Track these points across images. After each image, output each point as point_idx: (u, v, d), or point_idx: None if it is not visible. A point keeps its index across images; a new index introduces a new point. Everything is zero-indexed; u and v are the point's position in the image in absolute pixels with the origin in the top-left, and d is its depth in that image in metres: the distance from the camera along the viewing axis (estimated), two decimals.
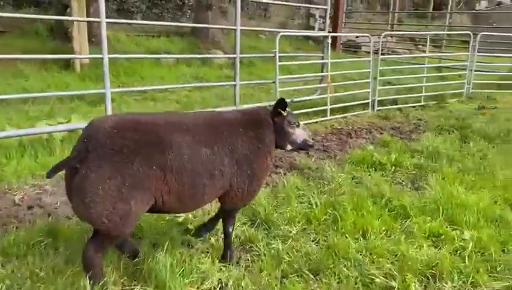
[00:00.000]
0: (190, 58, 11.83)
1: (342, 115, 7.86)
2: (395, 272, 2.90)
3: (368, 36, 8.97)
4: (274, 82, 6.80)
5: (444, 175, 4.78)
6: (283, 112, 3.00)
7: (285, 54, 7.99)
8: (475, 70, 9.69)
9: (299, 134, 3.12)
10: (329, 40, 7.65)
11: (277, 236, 3.45)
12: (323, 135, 6.81)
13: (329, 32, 9.11)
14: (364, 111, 8.28)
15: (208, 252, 3.20)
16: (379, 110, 8.40)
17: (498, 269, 3.03)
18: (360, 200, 3.93)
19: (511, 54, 12.17)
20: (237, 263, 3.10)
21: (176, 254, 3.04)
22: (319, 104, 7.81)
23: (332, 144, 6.33)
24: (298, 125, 3.13)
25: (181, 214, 3.57)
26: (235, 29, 6.43)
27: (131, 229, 2.54)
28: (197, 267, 2.92)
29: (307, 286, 2.86)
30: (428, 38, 9.62)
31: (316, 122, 7.39)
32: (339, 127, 7.27)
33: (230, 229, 3.07)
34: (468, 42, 9.77)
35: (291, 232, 3.50)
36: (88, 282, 2.45)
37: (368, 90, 8.29)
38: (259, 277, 2.88)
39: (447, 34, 16.84)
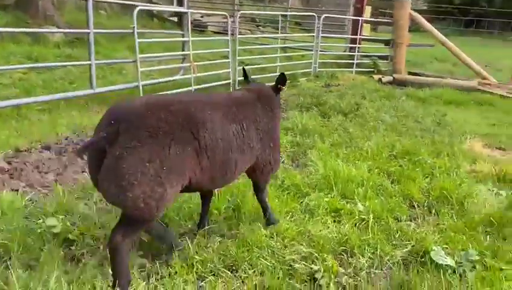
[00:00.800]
0: (17, 34, 10.05)
1: None
2: (315, 254, 2.82)
3: (225, 15, 8.82)
4: (134, 61, 6.16)
5: (320, 151, 4.96)
6: (283, 87, 3.24)
7: (146, 31, 7.29)
8: (320, 51, 10.44)
9: None
10: (188, 19, 7.26)
11: (181, 235, 3.07)
12: None
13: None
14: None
15: (101, 265, 2.65)
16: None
17: (396, 236, 3.21)
18: None
19: (343, 35, 13.48)
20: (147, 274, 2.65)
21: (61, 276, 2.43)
22: (183, 85, 7.41)
23: None
24: None
25: (56, 225, 2.89)
26: (86, 1, 5.56)
27: (162, 213, 2.48)
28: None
29: (228, 286, 2.58)
30: (279, 20, 9.96)
31: None
32: None
33: (267, 199, 3.27)
34: (299, 24, 10.42)
35: (194, 229, 3.16)
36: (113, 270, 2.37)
37: (228, 70, 8.20)
38: (174, 286, 2.49)
39: (292, 16, 17.84)
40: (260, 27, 20.76)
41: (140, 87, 6.14)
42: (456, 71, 12.77)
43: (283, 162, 4.74)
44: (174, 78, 7.26)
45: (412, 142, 5.43)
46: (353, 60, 11.29)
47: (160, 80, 7.03)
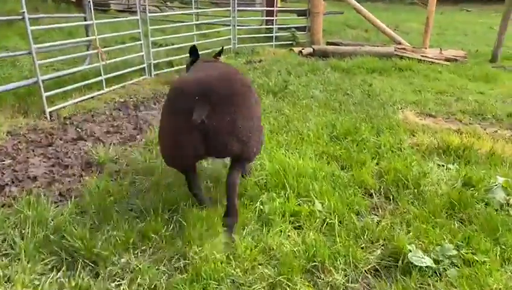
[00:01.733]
0: None
1: (119, 85, 6.76)
2: (284, 281, 2.38)
3: None
4: (29, 53, 5.15)
5: None
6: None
7: (38, 16, 6.14)
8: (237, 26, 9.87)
9: None
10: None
11: (110, 277, 2.45)
12: (107, 112, 5.64)
13: None
14: (142, 77, 7.35)
15: None
16: (157, 74, 7.62)
17: (364, 237, 2.88)
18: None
19: (258, 8, 12.99)
20: None
21: None
22: (91, 75, 6.48)
23: (124, 123, 5.29)
24: None
25: None
26: None
27: None
28: None
29: None
30: None
31: (93, 97, 6.11)
32: (122, 100, 6.20)
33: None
34: None
35: (132, 263, 2.55)
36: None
37: (141, 53, 7.36)
38: None
39: None
40: (168, 3, 19.55)
41: (41, 84, 5.18)
42: (369, 37, 12.94)
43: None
44: (80, 68, 6.28)
45: (350, 120, 5.19)
46: (271, 33, 10.90)
47: (64, 72, 6.03)
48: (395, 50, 10.00)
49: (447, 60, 9.85)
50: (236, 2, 9.52)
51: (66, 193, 3.46)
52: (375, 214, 3.24)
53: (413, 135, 4.91)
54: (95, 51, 6.26)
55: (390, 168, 3.82)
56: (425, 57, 9.94)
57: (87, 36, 6.36)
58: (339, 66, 8.62)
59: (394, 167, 3.81)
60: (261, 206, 3.13)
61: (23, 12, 4.96)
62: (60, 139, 4.65)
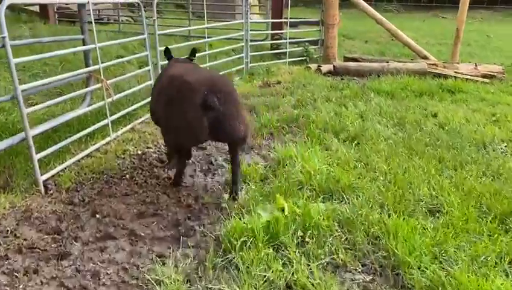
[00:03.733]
0: None
1: (127, 127, 5.07)
2: None
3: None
4: (13, 98, 3.41)
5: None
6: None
7: (24, 42, 4.22)
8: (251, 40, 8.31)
9: None
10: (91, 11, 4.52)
11: None
12: (127, 175, 3.95)
13: None
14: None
15: None
16: None
17: None
18: None
19: (264, 20, 11.49)
20: None
21: None
22: (91, 120, 4.76)
23: (158, 193, 3.61)
24: None
25: None
26: None
27: None
28: None
29: None
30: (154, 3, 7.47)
31: (98, 150, 4.40)
32: (139, 152, 4.51)
33: None
34: (183, 6, 8.22)
35: None
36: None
37: (150, 82, 5.67)
38: None
39: None
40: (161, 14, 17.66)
41: (31, 141, 3.45)
42: (383, 50, 11.74)
43: None
44: (80, 112, 4.50)
45: (478, 182, 3.76)
46: (279, 48, 9.43)
47: (59, 119, 4.26)
48: (427, 67, 8.79)
49: (484, 76, 8.74)
50: (249, 12, 7.97)
51: None
52: None
53: None
54: (98, 85, 4.55)
55: None
56: (460, 73, 8.80)
57: (87, 65, 4.59)
58: (380, 88, 7.24)
59: None
60: None
61: (4, 37, 3.23)
62: (75, 240, 2.93)
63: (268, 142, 4.91)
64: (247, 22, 7.92)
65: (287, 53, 9.18)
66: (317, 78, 8.12)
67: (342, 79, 8.23)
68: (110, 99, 4.55)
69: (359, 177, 3.85)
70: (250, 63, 8.32)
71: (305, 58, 9.55)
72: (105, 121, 4.61)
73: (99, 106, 4.59)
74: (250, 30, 8.21)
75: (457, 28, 9.23)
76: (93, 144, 4.42)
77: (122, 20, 14.83)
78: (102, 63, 4.34)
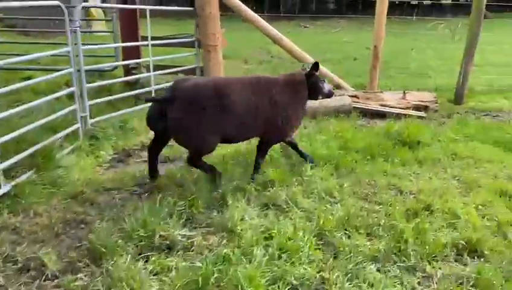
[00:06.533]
0: None
1: None
2: None
3: None
4: None
5: None
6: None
7: None
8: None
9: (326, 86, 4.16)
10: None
11: None
12: None
13: None
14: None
15: None
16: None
17: None
18: None
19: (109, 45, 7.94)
20: None
21: None
22: None
23: None
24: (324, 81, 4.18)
25: None
26: None
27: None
28: None
29: None
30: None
31: None
32: None
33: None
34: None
35: None
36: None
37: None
38: None
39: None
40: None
41: None
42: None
43: None
44: None
45: None
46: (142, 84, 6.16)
47: None
48: (351, 101, 6.43)
49: (417, 108, 6.74)
50: (79, 25, 4.53)
51: None
52: None
53: None
54: None
55: None
56: (387, 106, 6.65)
57: None
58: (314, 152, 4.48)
59: None
60: None
61: None
62: None
63: None
64: (78, 41, 4.48)
65: (153, 92, 5.93)
66: None
67: None
68: None
69: None
70: (92, 117, 4.86)
71: None
72: None
73: None
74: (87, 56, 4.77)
75: (375, 46, 7.09)
76: None
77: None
78: None
